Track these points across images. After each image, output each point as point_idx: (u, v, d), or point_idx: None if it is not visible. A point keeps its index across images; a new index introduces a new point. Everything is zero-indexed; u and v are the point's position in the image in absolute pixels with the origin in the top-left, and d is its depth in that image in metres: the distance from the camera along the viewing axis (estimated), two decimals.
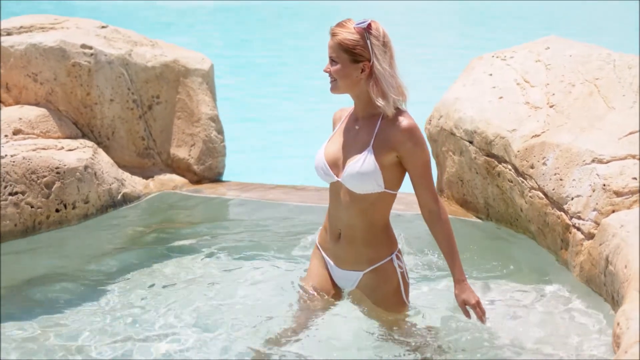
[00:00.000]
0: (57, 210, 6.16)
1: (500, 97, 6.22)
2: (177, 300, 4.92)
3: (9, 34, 6.83)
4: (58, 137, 6.57)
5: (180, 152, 7.19)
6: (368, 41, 4.08)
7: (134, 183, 6.84)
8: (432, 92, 9.07)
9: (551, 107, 5.90)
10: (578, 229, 5.22)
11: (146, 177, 7.03)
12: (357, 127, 4.22)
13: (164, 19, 22.75)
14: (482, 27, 22.28)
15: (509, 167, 5.91)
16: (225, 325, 4.56)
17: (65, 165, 6.23)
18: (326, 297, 4.42)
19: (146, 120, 7.11)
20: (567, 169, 5.42)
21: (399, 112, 4.17)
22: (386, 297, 4.33)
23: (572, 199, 5.31)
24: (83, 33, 6.92)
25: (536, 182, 5.63)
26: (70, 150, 6.44)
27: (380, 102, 4.11)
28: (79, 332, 4.57)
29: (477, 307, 4.21)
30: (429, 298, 4.89)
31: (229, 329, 4.53)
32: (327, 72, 4.17)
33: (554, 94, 5.97)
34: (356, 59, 4.09)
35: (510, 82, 6.29)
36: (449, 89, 6.71)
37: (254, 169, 9.50)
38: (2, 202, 5.88)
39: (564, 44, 6.45)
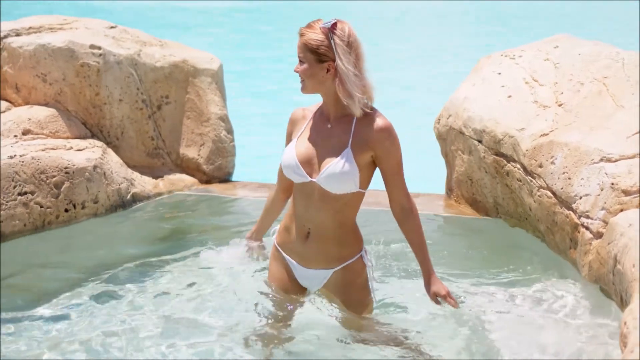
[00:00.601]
0: (66, 210, 6.18)
1: (509, 96, 6.20)
2: (180, 296, 4.94)
3: (18, 34, 6.85)
4: (67, 137, 6.59)
5: (189, 151, 7.20)
6: (332, 41, 4.11)
7: (143, 183, 6.85)
8: (440, 91, 9.06)
9: (560, 105, 5.88)
10: (587, 228, 5.20)
11: (156, 177, 7.04)
12: (329, 127, 4.25)
13: (180, 20, 22.79)
14: (492, 26, 22.25)
15: (518, 166, 5.90)
16: (224, 325, 4.57)
17: (74, 165, 6.24)
18: (292, 298, 4.45)
19: (155, 120, 7.12)
20: (576, 167, 5.40)
21: (372, 111, 4.21)
22: (356, 292, 4.37)
23: (581, 198, 5.29)
24: (92, 33, 6.93)
25: (545, 181, 5.62)
26: (79, 150, 6.45)
27: (346, 101, 4.14)
28: (85, 327, 4.59)
29: (448, 296, 4.30)
30: (409, 297, 4.92)
31: (227, 329, 4.53)
32: (296, 72, 4.21)
33: (562, 93, 5.95)
34: (321, 59, 4.13)
35: (519, 81, 6.27)
36: (458, 88, 6.70)
37: (264, 169, 9.48)
38: (11, 202, 5.90)
39: (573, 42, 6.44)
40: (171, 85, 7.14)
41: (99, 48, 6.82)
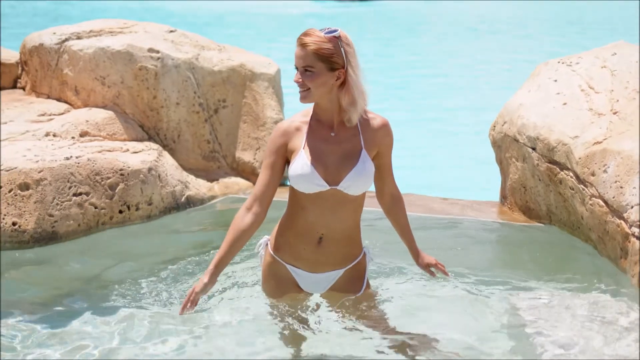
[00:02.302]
0: (120, 212, 6.26)
1: (564, 104, 6.13)
2: (233, 298, 4.94)
3: (79, 37, 6.97)
4: (124, 140, 6.68)
5: (245, 155, 7.25)
6: (341, 49, 4.14)
7: (198, 186, 6.91)
8: (499, 97, 8.99)
9: (614, 113, 5.80)
10: (637, 237, 5.13)
11: (211, 180, 7.10)
12: (332, 134, 4.27)
13: (250, 26, 22.97)
14: (559, 33, 22.02)
15: (571, 174, 5.83)
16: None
17: (129, 167, 6.32)
18: (303, 306, 4.50)
19: (212, 124, 7.18)
20: (628, 176, 5.32)
21: (366, 111, 4.31)
22: (361, 281, 4.50)
23: (632, 207, 5.21)
24: (151, 37, 7.02)
25: (597, 190, 5.54)
26: (135, 152, 6.53)
27: (348, 108, 4.20)
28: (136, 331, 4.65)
29: (438, 264, 4.59)
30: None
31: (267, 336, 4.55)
32: (297, 82, 4.19)
33: (618, 101, 5.87)
34: (333, 66, 4.15)
35: (575, 88, 6.20)
36: (514, 94, 6.65)
37: None
38: (66, 203, 6.00)
39: (632, 49, 6.34)
40: (228, 89, 7.20)
41: (158, 52, 6.91)
